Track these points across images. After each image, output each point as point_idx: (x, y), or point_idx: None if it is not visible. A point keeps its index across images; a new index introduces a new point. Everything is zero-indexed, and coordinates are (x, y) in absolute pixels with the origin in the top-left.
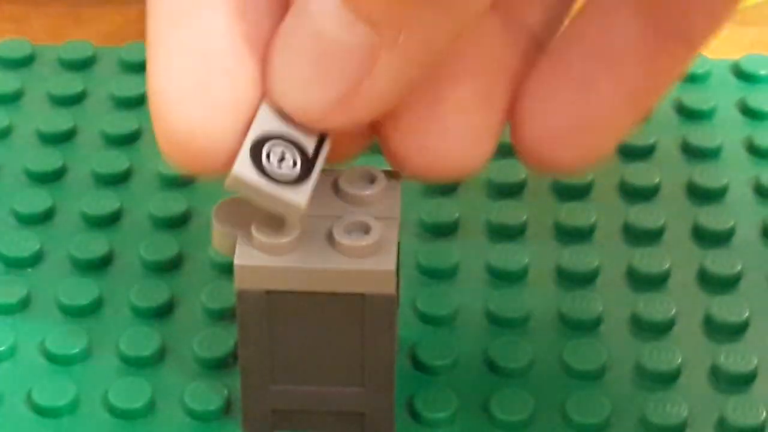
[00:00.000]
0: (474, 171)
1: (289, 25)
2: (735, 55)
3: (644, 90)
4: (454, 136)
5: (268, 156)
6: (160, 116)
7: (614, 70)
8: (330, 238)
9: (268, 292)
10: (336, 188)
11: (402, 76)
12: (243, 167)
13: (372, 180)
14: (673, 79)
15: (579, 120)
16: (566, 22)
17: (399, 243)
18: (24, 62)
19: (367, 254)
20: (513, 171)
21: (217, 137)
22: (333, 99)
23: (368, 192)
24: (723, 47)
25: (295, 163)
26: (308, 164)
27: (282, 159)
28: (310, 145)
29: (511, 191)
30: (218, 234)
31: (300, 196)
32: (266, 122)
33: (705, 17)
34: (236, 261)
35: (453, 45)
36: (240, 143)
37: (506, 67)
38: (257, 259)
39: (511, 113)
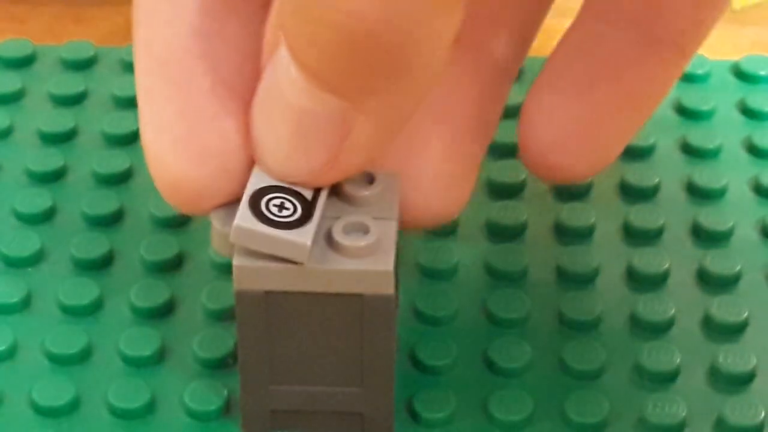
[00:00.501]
0: (452, 216)
1: (262, 96)
2: (735, 55)
3: (642, 95)
4: (429, 189)
5: (267, 206)
6: (153, 166)
7: (612, 78)
8: (329, 238)
9: (267, 293)
10: (335, 189)
11: (382, 133)
12: (244, 218)
13: (371, 180)
14: (670, 84)
15: (582, 127)
16: (562, 35)
17: (398, 243)
18: (25, 62)
19: (366, 254)
20: (513, 171)
21: (206, 184)
22: (318, 165)
23: (367, 192)
24: (723, 47)
25: (295, 208)
26: (308, 207)
27: (281, 207)
28: (307, 191)
29: (510, 191)
30: (217, 234)
31: (304, 236)
32: (261, 179)
33: (694, 25)
34: (235, 261)
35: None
36: (229, 187)
37: (478, 107)
38: (256, 260)
39: (518, 125)
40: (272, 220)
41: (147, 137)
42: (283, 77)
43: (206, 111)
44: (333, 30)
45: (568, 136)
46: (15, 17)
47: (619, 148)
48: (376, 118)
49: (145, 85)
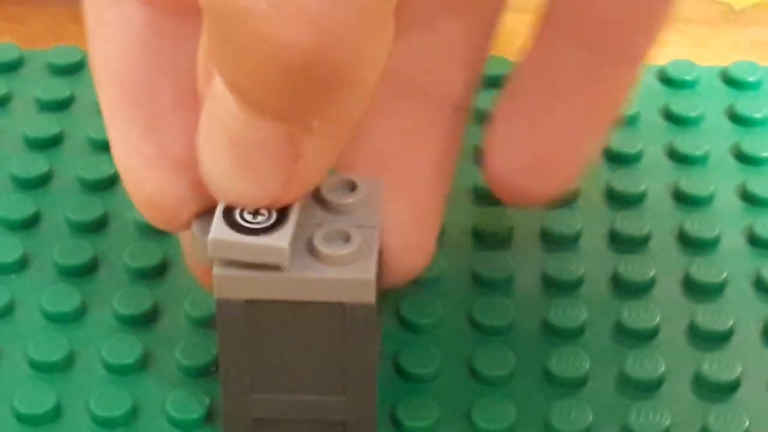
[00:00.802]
0: (423, 268)
1: (204, 127)
2: (735, 55)
3: (598, 113)
4: (397, 249)
5: (241, 215)
6: (128, 185)
7: (567, 100)
8: (310, 246)
9: (248, 302)
10: (316, 196)
11: (332, 149)
12: (219, 230)
13: (352, 188)
14: (624, 97)
15: (541, 153)
16: (518, 61)
17: (380, 251)
18: (12, 67)
19: (347, 263)
20: None
21: (183, 197)
22: (271, 190)
23: (349, 200)
24: (723, 47)
25: (270, 213)
26: (283, 209)
27: (256, 213)
28: None
29: (496, 198)
30: (198, 243)
31: (281, 239)
32: None
33: (646, 34)
34: (215, 270)
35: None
36: (206, 196)
37: (440, 154)
38: (237, 269)
39: (483, 155)
40: (248, 228)
41: (118, 158)
42: (222, 108)
43: (173, 125)
44: (268, 64)
45: (531, 164)
46: (15, 17)
47: (582, 165)
48: (324, 134)
49: (108, 107)
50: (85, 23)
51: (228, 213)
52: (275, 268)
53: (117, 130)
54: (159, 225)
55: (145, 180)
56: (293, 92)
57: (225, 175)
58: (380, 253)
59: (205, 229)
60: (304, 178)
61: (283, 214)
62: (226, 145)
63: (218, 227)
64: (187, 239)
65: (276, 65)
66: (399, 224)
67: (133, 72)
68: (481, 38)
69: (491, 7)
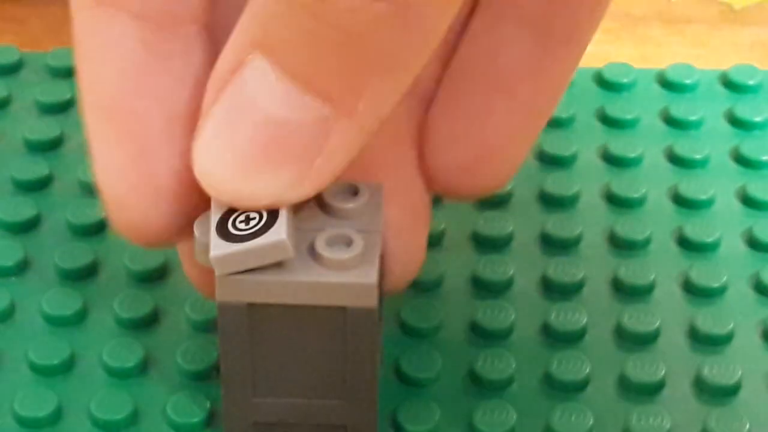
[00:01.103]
0: (417, 269)
1: (223, 115)
2: (735, 55)
3: (539, 105)
4: (393, 249)
5: (234, 225)
6: (110, 208)
7: (508, 93)
8: (312, 250)
9: (250, 305)
10: (319, 201)
11: (355, 146)
12: (217, 247)
13: (355, 193)
14: (565, 85)
15: (480, 150)
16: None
17: (381, 256)
18: (11, 69)
19: (349, 267)
20: None
21: (166, 224)
22: (284, 185)
23: (351, 205)
24: (723, 47)
25: (260, 215)
26: (273, 210)
27: (247, 220)
28: None
29: (496, 202)
30: (199, 245)
31: (278, 234)
32: (221, 206)
33: (590, 14)
34: (217, 273)
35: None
36: (189, 225)
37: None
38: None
39: (419, 147)
40: (243, 236)
41: (102, 181)
42: (260, 88)
43: (160, 153)
44: (329, 28)
45: (472, 163)
46: (15, 17)
47: (524, 156)
48: (357, 124)
49: (94, 128)
50: (74, 39)
51: (221, 227)
52: (278, 269)
53: (101, 152)
54: (140, 245)
55: (128, 205)
56: (348, 62)
57: (233, 168)
58: (382, 258)
59: (206, 231)
60: (317, 176)
61: (272, 214)
62: (249, 130)
63: (216, 244)
64: (182, 248)
65: (338, 29)
66: (394, 227)
67: (121, 93)
68: (452, 35)
69: (464, 7)
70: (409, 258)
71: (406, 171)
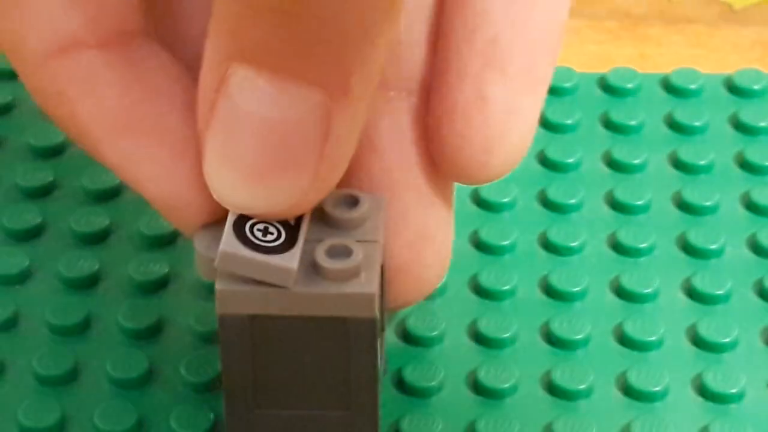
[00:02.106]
0: (443, 275)
1: (221, 134)
2: (736, 55)
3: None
4: (412, 258)
5: (251, 231)
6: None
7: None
8: (312, 261)
9: (250, 317)
10: (319, 211)
11: (358, 122)
12: (229, 244)
13: (355, 203)
14: (559, 43)
15: (487, 130)
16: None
17: (383, 266)
18: (15, 75)
19: (349, 278)
20: (502, 189)
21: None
22: (301, 183)
23: (351, 215)
24: (724, 47)
25: (279, 233)
26: (292, 231)
27: (266, 232)
28: None
29: (499, 208)
30: (201, 259)
31: (290, 261)
32: None
33: None
34: (218, 285)
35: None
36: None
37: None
38: (239, 284)
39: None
40: (257, 245)
41: (152, 192)
42: (251, 96)
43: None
44: (300, 18)
45: (489, 141)
46: None
47: (534, 132)
48: (357, 94)
49: (117, 152)
50: (51, 92)
51: (238, 227)
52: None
53: (140, 169)
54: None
55: (185, 203)
56: (331, 45)
57: (254, 183)
58: (383, 268)
59: (208, 245)
60: (329, 167)
61: (292, 234)
62: (254, 144)
63: (228, 240)
64: None
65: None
66: (407, 231)
67: (127, 112)
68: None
69: None
70: (423, 274)
71: (419, 177)
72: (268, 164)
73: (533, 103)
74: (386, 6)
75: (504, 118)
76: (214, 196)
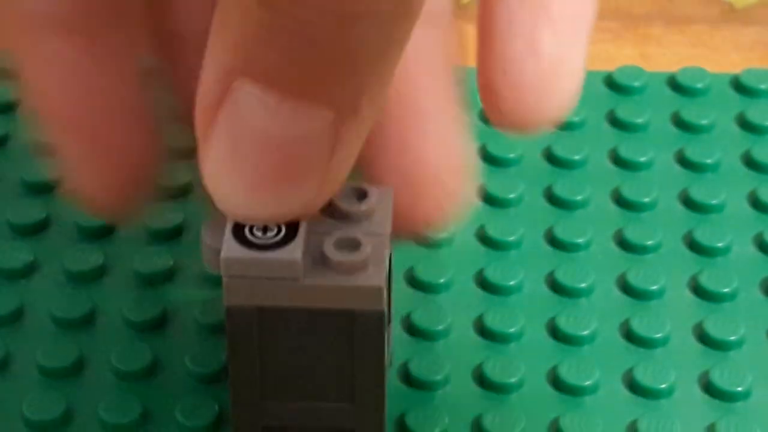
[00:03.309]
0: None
1: (226, 145)
2: (736, 55)
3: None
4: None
5: (251, 231)
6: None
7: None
8: (320, 254)
9: (258, 308)
10: (327, 204)
11: (362, 138)
12: (231, 249)
13: (363, 195)
14: None
15: (546, 69)
16: None
17: (390, 258)
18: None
19: (357, 270)
20: (509, 184)
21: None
22: (304, 197)
23: (359, 208)
24: (724, 46)
25: (279, 228)
26: (292, 223)
27: (265, 229)
28: None
29: (506, 204)
30: (207, 249)
31: (293, 253)
32: None
33: None
34: (225, 277)
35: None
36: None
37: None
38: (247, 276)
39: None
40: (258, 245)
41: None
42: (260, 113)
43: None
44: (311, 40)
45: (540, 79)
46: None
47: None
48: (365, 112)
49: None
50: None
51: (237, 230)
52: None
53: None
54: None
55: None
56: (341, 61)
57: (259, 196)
58: (391, 261)
59: (215, 235)
60: (333, 179)
61: (291, 227)
62: (261, 160)
63: (229, 246)
64: None
65: (326, 31)
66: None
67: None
68: None
69: None
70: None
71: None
72: (274, 177)
73: (580, 49)
74: (401, 34)
75: (554, 67)
76: (216, 203)
